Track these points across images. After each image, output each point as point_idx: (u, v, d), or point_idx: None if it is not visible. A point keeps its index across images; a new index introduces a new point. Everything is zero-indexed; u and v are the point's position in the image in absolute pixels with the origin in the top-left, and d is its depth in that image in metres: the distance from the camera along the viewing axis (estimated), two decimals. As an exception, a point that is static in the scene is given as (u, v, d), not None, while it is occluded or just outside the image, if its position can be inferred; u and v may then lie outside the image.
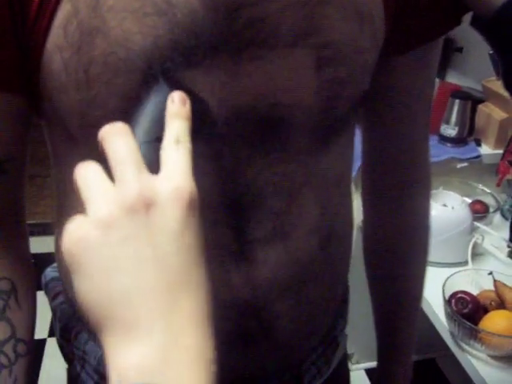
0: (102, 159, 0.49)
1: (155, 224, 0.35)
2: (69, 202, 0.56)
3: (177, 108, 0.41)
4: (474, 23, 0.53)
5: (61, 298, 0.66)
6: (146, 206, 0.35)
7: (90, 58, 0.44)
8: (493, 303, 1.09)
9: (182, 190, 0.36)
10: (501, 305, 1.09)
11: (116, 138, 0.38)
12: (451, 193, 1.38)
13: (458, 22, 0.57)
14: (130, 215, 0.35)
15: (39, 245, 1.49)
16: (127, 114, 0.45)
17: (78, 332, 0.63)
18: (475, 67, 1.78)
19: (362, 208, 0.75)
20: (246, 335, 0.56)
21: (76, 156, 0.51)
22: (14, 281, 0.56)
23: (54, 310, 0.67)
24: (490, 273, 1.14)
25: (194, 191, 0.37)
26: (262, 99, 0.48)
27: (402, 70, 0.59)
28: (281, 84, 0.48)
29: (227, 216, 0.52)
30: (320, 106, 0.50)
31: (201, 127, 0.47)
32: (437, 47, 0.60)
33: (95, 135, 0.46)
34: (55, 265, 0.68)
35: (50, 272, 0.69)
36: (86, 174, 0.39)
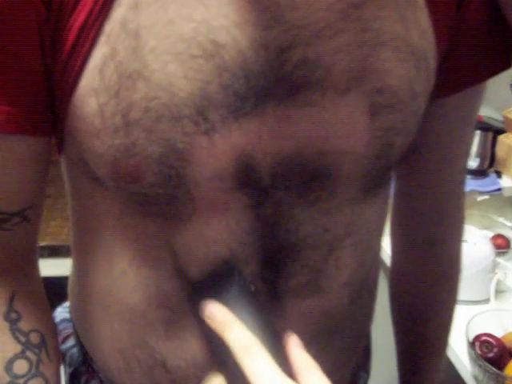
0: (130, 202, 0.46)
1: None
2: (87, 236, 0.54)
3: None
4: None
5: (71, 342, 0.63)
6: None
7: (130, 103, 0.41)
8: (518, 347, 1.04)
9: None
10: (527, 349, 1.05)
11: (231, 328, 0.41)
12: (472, 227, 1.34)
13: (509, 64, 0.54)
14: None
15: (50, 268, 1.44)
16: (165, 164, 0.42)
17: (88, 380, 0.60)
18: (496, 97, 1.74)
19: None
20: None
21: (99, 197, 0.49)
22: (43, 332, 0.53)
23: (63, 354, 0.64)
24: (516, 314, 1.09)
25: None
26: (310, 147, 0.44)
27: (445, 112, 0.56)
28: (331, 131, 0.44)
29: (260, 269, 0.49)
30: (371, 154, 0.47)
31: (243, 178, 0.44)
32: (481, 89, 0.56)
33: (127, 182, 0.43)
34: (66, 305, 0.65)
35: (61, 313, 0.66)
36: None
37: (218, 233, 0.47)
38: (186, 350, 0.51)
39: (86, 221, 0.54)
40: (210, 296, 0.45)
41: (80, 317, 0.59)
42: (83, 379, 0.60)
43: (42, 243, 2.01)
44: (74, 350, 0.62)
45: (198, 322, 0.47)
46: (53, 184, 1.55)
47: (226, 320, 0.42)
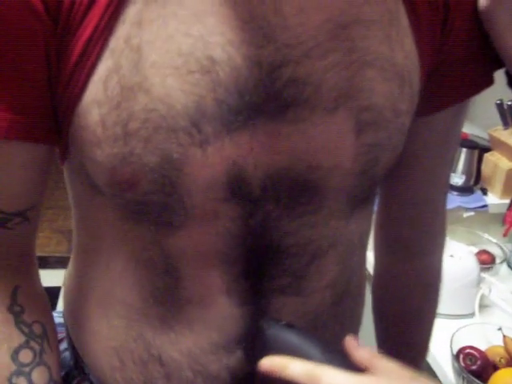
0: (125, 209, 0.48)
1: None
2: (87, 240, 0.57)
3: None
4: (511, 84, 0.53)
5: (63, 345, 0.64)
6: None
7: (130, 114, 0.43)
8: (502, 360, 1.06)
9: None
10: (510, 362, 1.06)
11: (287, 368, 0.44)
12: (458, 243, 1.36)
13: (491, 81, 0.56)
14: None
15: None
16: (160, 173, 0.43)
17: (79, 383, 0.61)
18: (482, 116, 1.78)
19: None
20: (254, 376, 0.54)
21: (97, 203, 0.51)
22: (44, 323, 0.55)
23: None
24: (500, 328, 1.11)
25: None
26: (299, 162, 0.47)
27: (430, 128, 0.58)
28: (320, 147, 0.46)
29: (245, 270, 0.51)
30: (358, 170, 0.49)
31: (235, 189, 0.46)
32: (465, 106, 0.58)
33: (123, 189, 0.45)
34: (59, 310, 0.67)
35: (55, 318, 0.67)
36: None
37: (208, 239, 0.49)
38: (181, 342, 0.53)
39: (86, 225, 0.56)
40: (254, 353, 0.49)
41: (75, 318, 0.61)
42: (74, 382, 0.61)
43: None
44: (66, 354, 0.63)
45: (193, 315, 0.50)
46: (45, 193, 1.55)
47: (278, 365, 0.45)
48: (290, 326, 0.49)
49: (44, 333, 0.55)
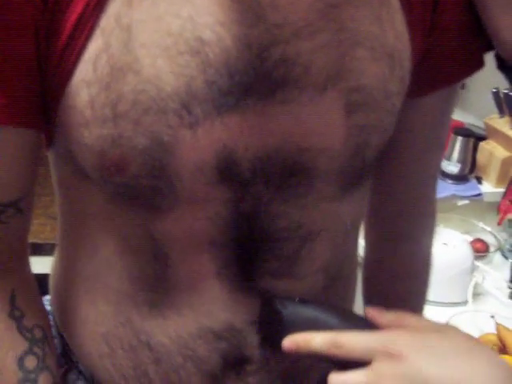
0: (113, 194, 0.47)
1: None
2: (73, 226, 0.56)
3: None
4: (502, 67, 0.52)
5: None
6: None
7: (119, 95, 0.42)
8: (494, 348, 1.06)
9: None
10: (503, 349, 1.07)
11: (309, 342, 0.45)
12: (452, 231, 1.36)
13: (482, 63, 0.55)
14: None
15: (33, 265, 1.42)
16: (150, 156, 0.43)
17: (67, 371, 0.60)
18: (478, 104, 1.78)
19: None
20: (245, 360, 0.54)
21: (84, 188, 0.50)
22: (43, 326, 0.55)
23: None
24: (492, 316, 1.11)
25: None
26: (289, 144, 0.46)
27: (420, 113, 0.57)
28: (309, 128, 0.46)
29: (234, 254, 0.50)
30: (347, 152, 0.48)
31: (224, 171, 0.45)
32: (456, 91, 0.58)
33: (112, 173, 0.45)
34: (47, 297, 0.66)
35: (43, 305, 0.66)
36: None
37: (198, 223, 0.48)
38: (170, 327, 0.52)
39: (72, 211, 0.55)
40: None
41: (62, 305, 0.60)
42: (62, 370, 0.60)
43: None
44: (54, 342, 0.62)
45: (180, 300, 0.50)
46: (35, 182, 1.54)
47: (302, 342, 0.45)
48: (303, 301, 0.49)
49: (44, 336, 0.55)
